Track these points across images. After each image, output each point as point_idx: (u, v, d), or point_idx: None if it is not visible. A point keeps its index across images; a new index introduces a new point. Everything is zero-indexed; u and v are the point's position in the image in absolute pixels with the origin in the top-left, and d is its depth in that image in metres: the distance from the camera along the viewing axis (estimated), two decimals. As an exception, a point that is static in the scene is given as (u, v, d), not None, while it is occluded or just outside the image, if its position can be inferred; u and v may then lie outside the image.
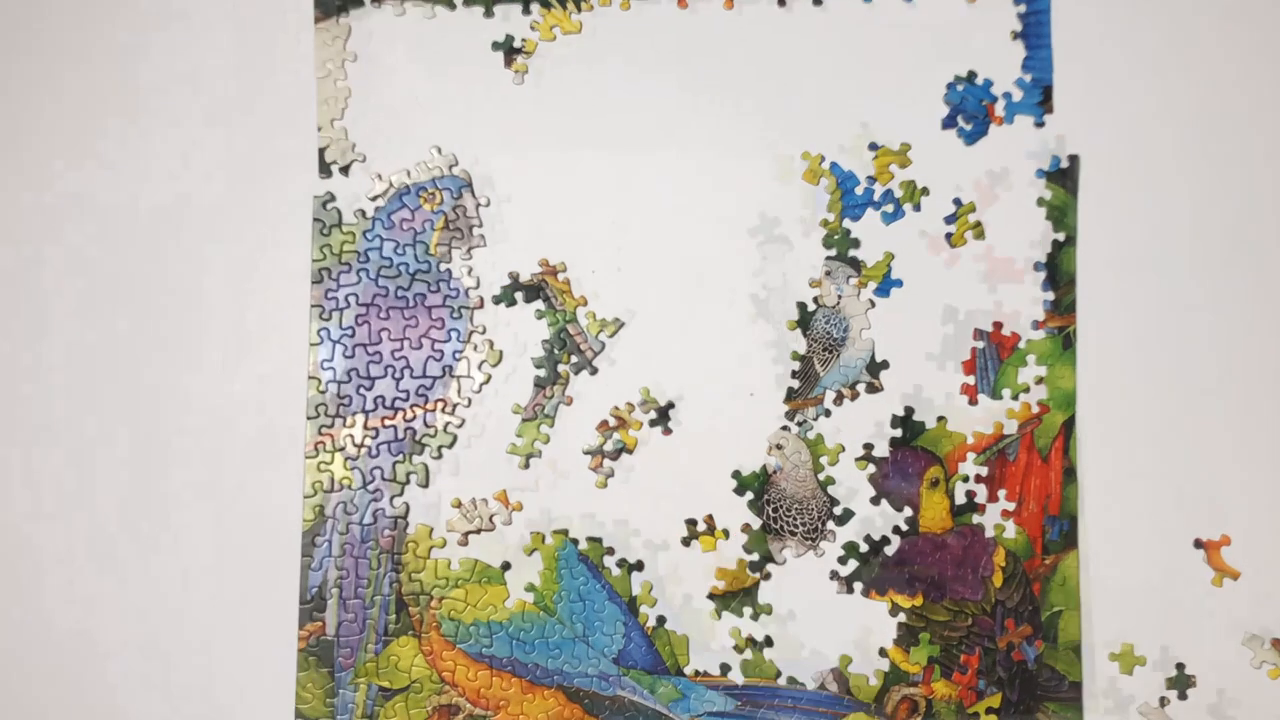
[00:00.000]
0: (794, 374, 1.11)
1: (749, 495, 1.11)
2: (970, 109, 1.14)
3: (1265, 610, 1.10)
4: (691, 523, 1.11)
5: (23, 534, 1.14)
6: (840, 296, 1.12)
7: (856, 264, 1.12)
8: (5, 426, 1.15)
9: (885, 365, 1.12)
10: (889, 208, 1.13)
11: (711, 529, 1.10)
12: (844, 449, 1.11)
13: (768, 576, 1.10)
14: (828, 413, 1.11)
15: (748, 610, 1.10)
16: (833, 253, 1.12)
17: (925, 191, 1.13)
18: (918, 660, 1.09)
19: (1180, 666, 1.09)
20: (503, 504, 1.10)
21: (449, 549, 1.11)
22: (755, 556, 1.10)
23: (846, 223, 1.14)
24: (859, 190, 1.14)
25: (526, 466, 1.11)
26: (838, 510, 1.11)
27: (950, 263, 1.12)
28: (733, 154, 1.15)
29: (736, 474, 1.11)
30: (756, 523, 1.11)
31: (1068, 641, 1.09)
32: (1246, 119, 1.14)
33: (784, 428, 1.11)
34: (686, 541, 1.10)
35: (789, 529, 1.10)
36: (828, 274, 1.12)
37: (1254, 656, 1.09)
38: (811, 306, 1.12)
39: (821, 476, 1.11)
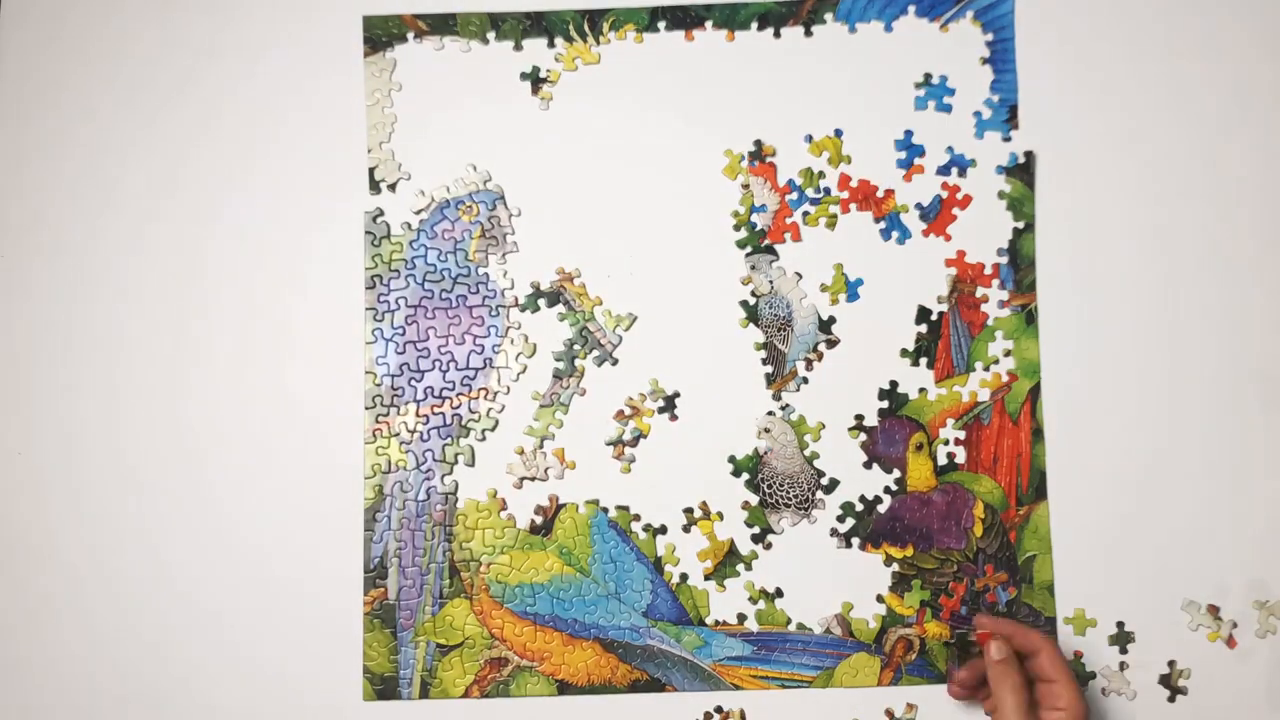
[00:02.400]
0: (764, 361, 1.17)
1: (745, 476, 1.16)
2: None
3: (1203, 576, 1.14)
4: (689, 510, 1.16)
5: (108, 514, 1.16)
6: (771, 281, 1.18)
7: (772, 249, 1.18)
8: (95, 414, 1.18)
9: (833, 320, 1.18)
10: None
11: (707, 514, 1.16)
12: (825, 426, 1.16)
13: (769, 546, 1.15)
14: (805, 380, 1.17)
15: (741, 567, 1.15)
16: (748, 249, 1.19)
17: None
18: (911, 604, 1.14)
19: (1120, 624, 1.13)
20: (558, 459, 1.16)
21: (493, 518, 1.15)
22: (756, 529, 1.15)
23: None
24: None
25: (540, 446, 1.16)
26: (824, 480, 1.16)
27: (924, 269, 1.18)
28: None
29: (732, 458, 1.16)
30: (754, 500, 1.16)
31: (1042, 582, 1.14)
32: (1187, 124, 1.19)
33: (770, 413, 1.16)
34: (687, 528, 1.15)
35: (783, 502, 1.15)
36: (753, 268, 1.18)
37: (1191, 620, 1.14)
38: (752, 300, 1.18)
39: (807, 452, 1.16)
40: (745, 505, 1.16)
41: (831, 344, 1.18)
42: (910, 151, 1.20)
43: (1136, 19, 1.21)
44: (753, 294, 1.18)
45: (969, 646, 1.13)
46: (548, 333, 1.19)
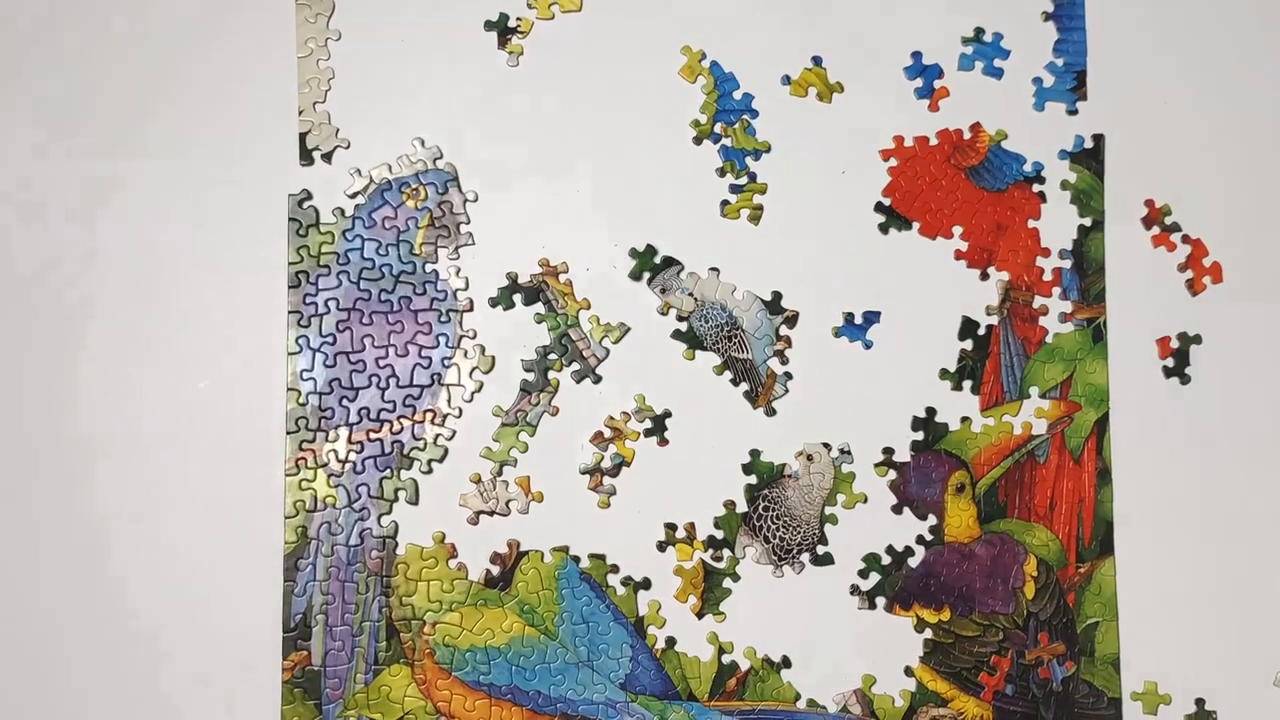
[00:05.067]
0: (733, 381, 1.10)
1: (753, 478, 1.08)
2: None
3: None
4: (671, 527, 1.08)
5: None
6: (690, 293, 1.11)
7: (672, 261, 1.11)
8: None
9: (780, 296, 1.10)
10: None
11: (690, 538, 1.08)
12: (866, 500, 1.08)
13: (735, 575, 1.08)
14: (789, 375, 1.09)
15: (728, 581, 1.08)
16: (645, 276, 1.11)
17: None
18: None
19: (1200, 703, 1.06)
20: (523, 490, 1.08)
21: (440, 568, 1.08)
22: (721, 534, 1.08)
23: (718, 127, 1.13)
24: (737, 95, 1.13)
25: (500, 474, 1.08)
26: (820, 550, 1.08)
27: (970, 272, 1.11)
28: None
29: (754, 452, 1.09)
30: (742, 506, 1.09)
31: (1105, 655, 1.08)
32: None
33: (825, 444, 1.08)
34: (662, 547, 1.08)
35: (767, 534, 1.09)
36: (662, 291, 1.12)
37: None
38: (683, 328, 1.10)
39: (829, 510, 1.08)
40: (729, 505, 1.09)
41: (791, 321, 1.11)
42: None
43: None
44: (678, 318, 1.11)
45: None
46: (514, 339, 1.11)
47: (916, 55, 1.13)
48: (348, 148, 1.12)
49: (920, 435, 1.10)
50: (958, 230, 1.11)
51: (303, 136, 1.13)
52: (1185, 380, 1.09)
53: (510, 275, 1.11)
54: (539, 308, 1.11)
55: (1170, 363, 1.09)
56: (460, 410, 1.10)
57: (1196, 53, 1.14)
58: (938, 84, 1.13)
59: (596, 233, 1.12)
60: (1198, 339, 1.10)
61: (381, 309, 1.11)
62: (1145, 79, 1.14)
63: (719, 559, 1.08)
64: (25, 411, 1.10)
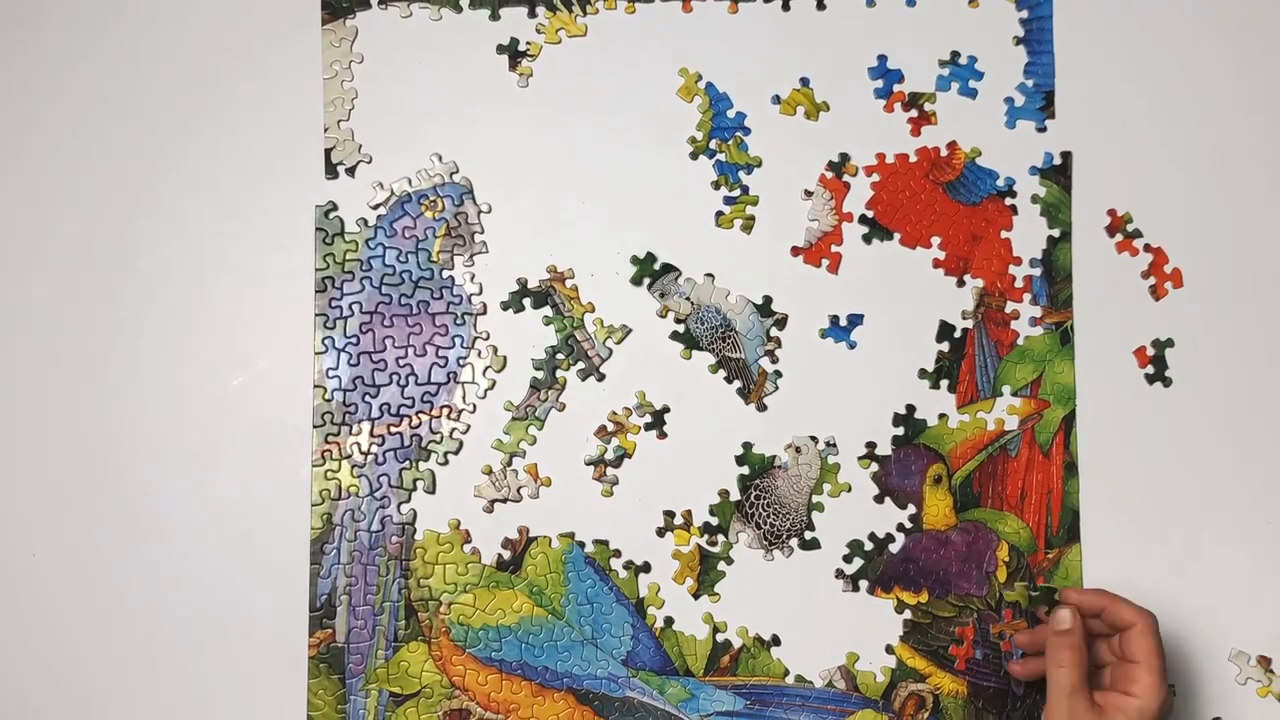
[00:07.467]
0: (727, 379, 1.11)
1: (746, 469, 1.09)
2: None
3: (1254, 625, 1.09)
4: (669, 515, 1.10)
5: (20, 546, 1.10)
6: (688, 298, 1.12)
7: (670, 268, 1.12)
8: (10, 420, 1.11)
9: (770, 300, 1.11)
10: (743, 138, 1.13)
11: (688, 524, 1.09)
12: (850, 489, 1.09)
13: (729, 559, 1.09)
14: (779, 374, 1.10)
15: (723, 565, 1.09)
16: (645, 281, 1.12)
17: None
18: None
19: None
20: (532, 477, 1.09)
21: (455, 552, 1.09)
22: (715, 521, 1.09)
23: (713, 143, 1.13)
24: (730, 113, 1.13)
25: (510, 464, 1.10)
26: (808, 535, 1.09)
27: (947, 279, 1.11)
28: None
29: (747, 445, 1.10)
30: (736, 495, 1.10)
31: None
32: (1252, 113, 1.13)
33: (812, 437, 1.10)
34: (661, 533, 1.09)
35: (758, 521, 1.10)
36: (662, 295, 1.12)
37: (1239, 673, 1.08)
38: (681, 330, 1.12)
39: (816, 499, 1.10)
40: (723, 494, 1.11)
41: (781, 324, 1.12)
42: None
43: (1193, -3, 1.16)
44: (676, 321, 1.12)
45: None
46: (524, 340, 1.12)
47: (892, 75, 1.13)
48: (370, 162, 1.12)
49: (900, 430, 1.10)
50: (936, 241, 1.11)
51: (328, 152, 1.12)
52: (1168, 384, 1.09)
53: (520, 281, 1.11)
54: (547, 311, 1.11)
55: (1151, 370, 1.09)
56: (474, 406, 1.10)
57: (1156, 74, 1.13)
58: (895, 86, 1.13)
59: (600, 241, 1.12)
60: (1170, 343, 1.10)
61: (401, 312, 1.11)
62: (1109, 99, 1.13)
63: (714, 544, 1.09)
64: (72, 407, 1.10)
